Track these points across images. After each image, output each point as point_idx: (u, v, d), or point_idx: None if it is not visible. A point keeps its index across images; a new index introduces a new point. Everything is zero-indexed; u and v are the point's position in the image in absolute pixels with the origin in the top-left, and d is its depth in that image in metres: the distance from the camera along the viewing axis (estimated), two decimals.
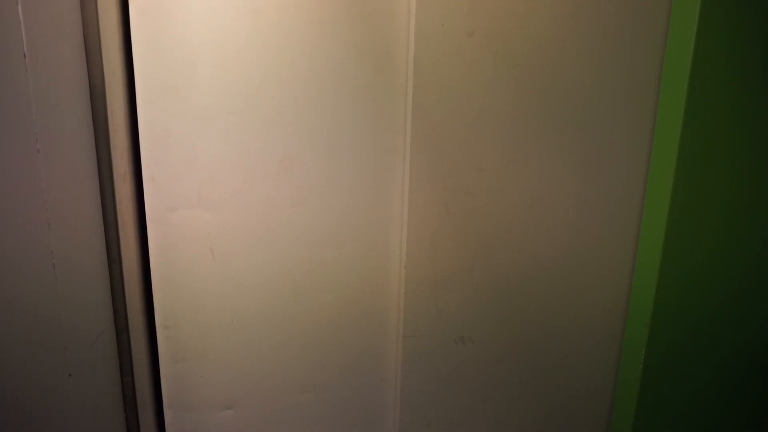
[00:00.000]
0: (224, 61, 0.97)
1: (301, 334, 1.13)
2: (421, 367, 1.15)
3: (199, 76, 0.97)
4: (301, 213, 1.06)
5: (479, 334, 1.15)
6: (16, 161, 0.65)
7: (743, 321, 1.15)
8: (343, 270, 1.10)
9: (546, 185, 1.09)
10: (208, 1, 0.94)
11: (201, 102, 0.98)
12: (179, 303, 1.07)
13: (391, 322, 1.15)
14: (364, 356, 1.16)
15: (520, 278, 1.14)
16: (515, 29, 1.00)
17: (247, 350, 1.12)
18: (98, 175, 0.93)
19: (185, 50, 0.95)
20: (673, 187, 1.04)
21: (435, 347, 1.15)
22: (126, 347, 0.98)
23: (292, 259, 1.08)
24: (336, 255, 1.09)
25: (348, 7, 0.97)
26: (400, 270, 1.11)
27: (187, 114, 0.98)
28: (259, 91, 0.99)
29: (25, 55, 0.65)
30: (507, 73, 1.02)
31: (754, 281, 1.12)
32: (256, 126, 1.01)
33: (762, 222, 1.09)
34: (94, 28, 0.87)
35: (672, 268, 1.08)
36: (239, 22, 0.96)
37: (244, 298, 1.09)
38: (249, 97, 0.99)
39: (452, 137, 1.03)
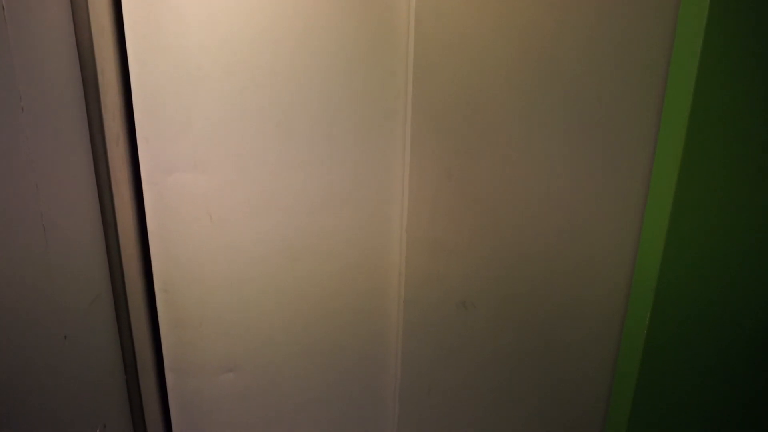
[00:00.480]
0: (216, 18, 0.93)
1: (300, 299, 1.12)
2: (422, 332, 1.14)
3: (191, 34, 0.93)
4: (300, 177, 1.04)
5: (481, 299, 1.14)
6: None
7: (743, 314, 1.13)
8: (343, 235, 1.09)
9: (552, 151, 1.06)
10: None
11: (194, 62, 0.95)
12: (178, 267, 1.07)
13: (392, 286, 1.14)
14: (365, 322, 1.16)
15: (523, 245, 1.12)
16: None
17: (247, 314, 1.11)
18: (89, 137, 0.90)
19: (176, 7, 0.92)
20: (678, 173, 1.01)
21: (436, 312, 1.14)
22: (124, 311, 0.98)
23: (291, 224, 1.07)
24: (335, 219, 1.07)
25: None
26: (401, 235, 1.09)
27: (181, 74, 0.95)
28: (254, 51, 0.95)
29: (3, 7, 0.62)
30: (513, 33, 0.98)
31: (755, 276, 1.10)
32: (251, 87, 0.97)
33: (763, 219, 1.07)
34: None
35: (677, 239, 1.06)
36: None
37: (243, 262, 1.08)
38: (243, 56, 0.95)
39: (455, 101, 1.00)
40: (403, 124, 1.03)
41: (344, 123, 1.02)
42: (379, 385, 1.22)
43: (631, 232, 1.14)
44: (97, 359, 0.87)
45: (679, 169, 1.01)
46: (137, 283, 1.01)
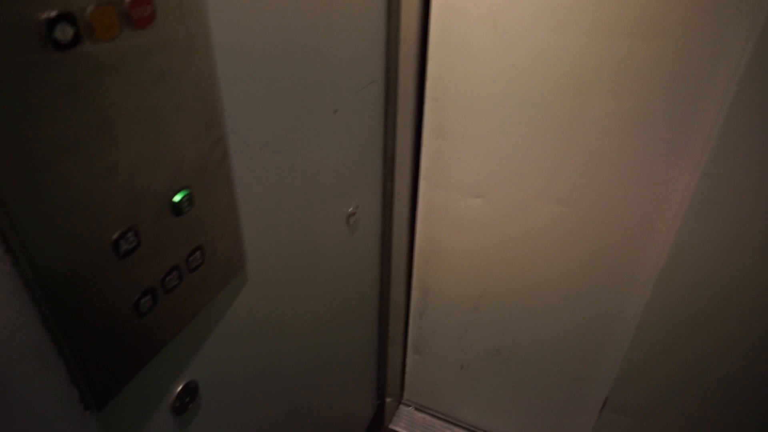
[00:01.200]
0: None
1: (564, 140, 0.98)
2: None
3: None
4: None
5: None
6: None
7: None
8: None
9: None
10: None
11: None
12: (452, 76, 1.01)
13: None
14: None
15: None
16: None
17: (506, 142, 1.03)
18: None
19: None
20: None
21: None
22: (392, 107, 0.99)
23: (578, 48, 0.89)
24: None
25: None
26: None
27: None
28: None
29: None
30: None
31: None
32: None
33: None
34: None
35: None
36: None
37: (520, 80, 0.96)
38: None
39: None
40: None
41: None
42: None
43: None
44: (362, 135, 0.91)
45: None
46: (410, 85, 1.00)
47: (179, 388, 0.58)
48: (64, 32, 0.35)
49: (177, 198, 0.49)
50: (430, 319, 1.38)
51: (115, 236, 0.42)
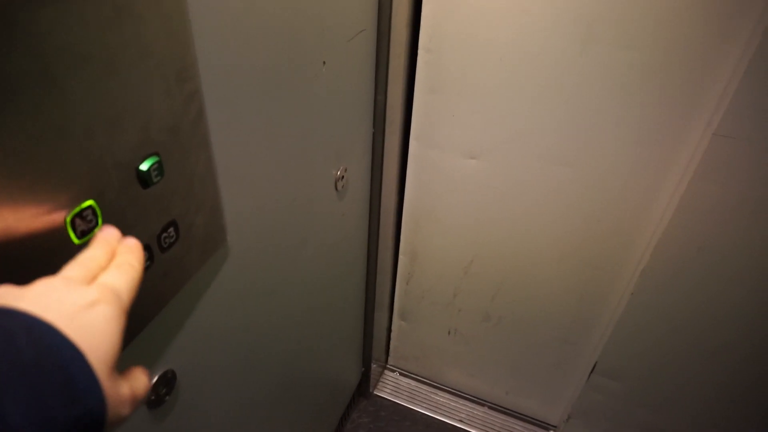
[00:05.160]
0: None
1: (569, 96, 0.91)
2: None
3: None
4: None
5: None
6: None
7: None
8: None
9: None
10: None
11: None
12: (449, 25, 0.92)
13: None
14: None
15: None
16: None
17: (507, 98, 0.95)
18: None
19: None
20: None
21: None
22: (384, 59, 0.90)
23: None
24: None
25: None
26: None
27: None
28: None
29: None
30: None
31: None
32: None
33: None
34: None
35: None
36: None
37: (524, 29, 0.88)
38: None
39: None
40: None
41: None
42: None
43: None
44: (351, 87, 0.83)
45: None
46: (402, 32, 0.91)
47: (154, 379, 0.52)
48: None
49: (144, 166, 0.40)
50: (418, 284, 1.33)
51: (69, 215, 0.34)
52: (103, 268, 0.33)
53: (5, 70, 0.28)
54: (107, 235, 0.35)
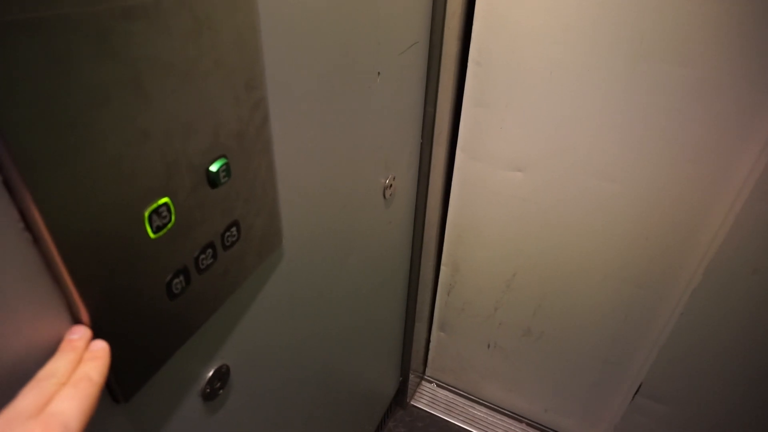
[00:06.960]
0: None
1: (619, 112, 0.90)
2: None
3: None
4: None
5: None
6: None
7: None
8: None
9: None
10: None
11: None
12: (499, 38, 0.93)
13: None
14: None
15: None
16: None
17: (555, 112, 0.95)
18: None
19: None
20: None
21: None
22: (435, 71, 0.91)
23: (642, 8, 0.81)
24: None
25: None
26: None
27: None
28: None
29: None
30: None
31: None
32: None
33: None
34: None
35: None
36: None
37: (574, 43, 0.88)
38: None
39: None
40: None
41: None
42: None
43: None
44: (400, 107, 0.85)
45: None
46: (453, 45, 0.92)
47: (210, 373, 0.54)
48: None
49: (214, 167, 0.43)
50: (459, 296, 1.33)
51: (147, 211, 0.37)
52: (63, 384, 0.31)
53: (102, 78, 0.31)
54: (75, 341, 0.34)
